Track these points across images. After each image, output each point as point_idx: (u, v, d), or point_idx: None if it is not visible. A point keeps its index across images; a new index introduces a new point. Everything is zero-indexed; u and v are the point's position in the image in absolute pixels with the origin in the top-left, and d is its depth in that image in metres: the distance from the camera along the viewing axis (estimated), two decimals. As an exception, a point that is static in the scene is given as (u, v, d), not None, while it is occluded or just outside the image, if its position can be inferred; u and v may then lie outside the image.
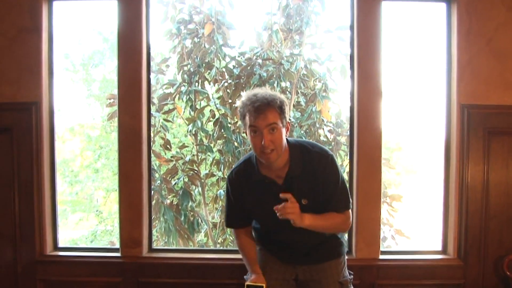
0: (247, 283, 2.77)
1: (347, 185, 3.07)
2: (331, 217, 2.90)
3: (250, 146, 2.76)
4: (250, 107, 2.67)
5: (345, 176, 4.89)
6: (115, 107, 4.26)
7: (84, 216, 7.31)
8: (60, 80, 5.98)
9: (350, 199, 3.01)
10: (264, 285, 2.75)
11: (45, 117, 4.09)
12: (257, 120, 2.65)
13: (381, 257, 4.11)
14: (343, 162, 5.24)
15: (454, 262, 4.11)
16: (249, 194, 2.92)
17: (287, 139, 2.87)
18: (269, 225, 2.97)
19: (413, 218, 5.66)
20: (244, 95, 2.80)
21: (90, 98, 7.42)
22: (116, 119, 4.18)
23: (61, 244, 4.35)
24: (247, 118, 2.70)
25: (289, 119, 2.86)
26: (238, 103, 2.90)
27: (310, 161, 2.83)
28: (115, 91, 4.13)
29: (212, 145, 5.35)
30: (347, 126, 5.02)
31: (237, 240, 3.16)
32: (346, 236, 4.21)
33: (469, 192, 4.04)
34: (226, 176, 5.33)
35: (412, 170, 5.94)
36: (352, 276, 3.23)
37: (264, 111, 2.65)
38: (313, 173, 2.83)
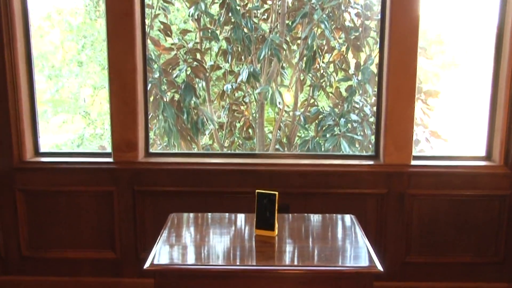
0: (258, 191, 2.83)
1: None
2: None
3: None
4: None
5: (373, 69, 4.86)
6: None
7: (68, 118, 7.36)
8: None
9: None
10: (276, 193, 2.80)
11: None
12: None
13: (413, 162, 4.17)
14: (371, 52, 5.17)
15: (500, 170, 4.16)
16: None
17: None
18: None
19: (453, 118, 5.64)
20: None
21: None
22: (102, 1, 4.11)
23: (42, 149, 4.45)
24: None
25: None
26: None
27: None
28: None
29: (218, 31, 5.27)
30: (378, 8, 4.90)
31: None
32: (373, 138, 4.23)
33: (522, 88, 4.02)
34: (234, 69, 5.32)
35: (454, 63, 5.84)
36: None
37: None
38: None
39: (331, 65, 5.39)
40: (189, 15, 5.35)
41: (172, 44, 5.38)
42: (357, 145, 5.21)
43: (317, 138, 5.26)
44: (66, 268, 4.38)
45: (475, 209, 4.22)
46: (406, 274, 4.32)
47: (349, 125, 5.21)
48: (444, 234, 4.27)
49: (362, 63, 5.24)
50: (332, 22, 5.24)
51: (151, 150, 4.42)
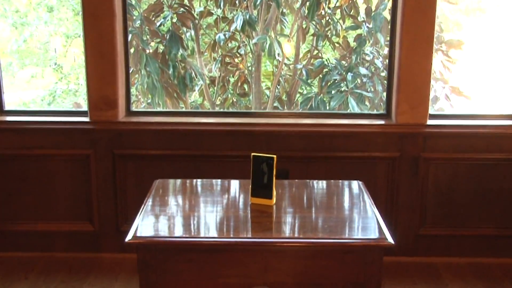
0: (254, 154, 2.85)
1: None
2: None
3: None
4: None
5: (386, 15, 4.83)
6: None
7: (37, 71, 7.34)
8: None
9: None
10: (275, 156, 2.82)
11: None
12: None
13: (430, 122, 4.18)
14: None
15: (529, 131, 4.18)
16: None
17: None
18: None
19: (477, 72, 5.65)
20: None
21: None
22: None
23: (8, 107, 4.44)
24: None
25: None
26: None
27: None
28: None
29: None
30: None
31: None
32: (384, 94, 4.23)
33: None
34: (227, 16, 5.28)
35: (480, 8, 5.82)
36: None
37: None
38: None
39: (338, 11, 5.36)
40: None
41: (155, -14, 5.35)
42: (366, 103, 5.22)
43: (321, 95, 5.27)
44: (37, 242, 4.42)
45: (499, 175, 4.25)
46: (420, 248, 4.38)
47: (358, 80, 5.21)
48: (464, 204, 4.31)
49: (373, 9, 5.21)
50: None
51: (132, 109, 4.42)
